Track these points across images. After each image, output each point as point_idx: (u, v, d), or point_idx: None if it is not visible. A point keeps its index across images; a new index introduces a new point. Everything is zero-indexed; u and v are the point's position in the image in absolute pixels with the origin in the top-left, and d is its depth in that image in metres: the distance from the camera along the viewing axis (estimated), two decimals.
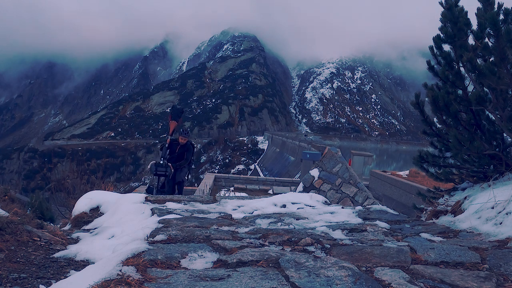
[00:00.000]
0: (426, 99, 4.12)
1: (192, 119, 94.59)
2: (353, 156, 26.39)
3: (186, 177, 8.28)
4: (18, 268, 2.50)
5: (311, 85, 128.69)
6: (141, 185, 27.27)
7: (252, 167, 70.59)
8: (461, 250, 2.33)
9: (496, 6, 3.65)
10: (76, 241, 3.37)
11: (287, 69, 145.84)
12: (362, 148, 69.37)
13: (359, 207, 4.25)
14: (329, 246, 2.46)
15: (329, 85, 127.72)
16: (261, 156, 75.27)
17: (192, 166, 8.44)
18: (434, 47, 4.03)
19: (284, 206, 4.46)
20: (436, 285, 1.85)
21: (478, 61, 3.62)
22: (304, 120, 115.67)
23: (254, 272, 1.88)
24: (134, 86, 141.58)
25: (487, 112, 3.80)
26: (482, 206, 3.04)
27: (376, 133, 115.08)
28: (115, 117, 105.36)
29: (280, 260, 2.05)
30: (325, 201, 4.91)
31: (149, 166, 7.65)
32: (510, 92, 3.59)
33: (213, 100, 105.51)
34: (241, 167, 73.74)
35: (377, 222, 3.29)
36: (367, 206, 4.35)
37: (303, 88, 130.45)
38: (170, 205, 4.12)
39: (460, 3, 3.98)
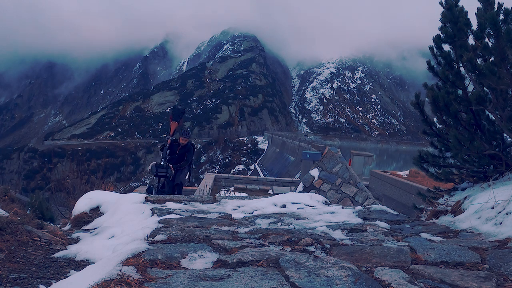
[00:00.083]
0: (426, 99, 4.12)
1: (192, 119, 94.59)
2: (353, 156, 26.39)
3: (187, 179, 8.25)
4: (18, 268, 2.50)
5: (311, 85, 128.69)
6: (141, 185, 27.29)
7: (252, 167, 70.59)
8: (461, 250, 2.33)
9: (496, 6, 3.65)
10: (76, 241, 3.37)
11: (287, 69, 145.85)
12: (362, 148, 69.36)
13: (359, 207, 4.25)
14: (329, 246, 2.46)
15: (329, 85, 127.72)
16: (261, 156, 75.28)
17: (192, 167, 8.40)
18: (434, 47, 4.03)
19: (284, 206, 4.46)
20: (436, 285, 1.85)
21: (478, 61, 3.62)
22: (304, 120, 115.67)
23: (254, 272, 1.88)
24: (134, 86, 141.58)
25: (487, 112, 3.80)
26: (482, 206, 3.04)
27: (376, 133, 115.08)
28: (115, 117, 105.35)
29: (280, 260, 2.05)
30: (325, 201, 4.91)
31: (149, 167, 7.61)
32: (510, 92, 3.59)
33: (213, 100, 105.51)
34: (241, 167, 73.74)
35: (377, 222, 3.29)
36: (367, 206, 4.35)
37: (303, 88, 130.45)
38: (170, 205, 4.12)
39: (460, 3, 3.98)
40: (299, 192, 9.02)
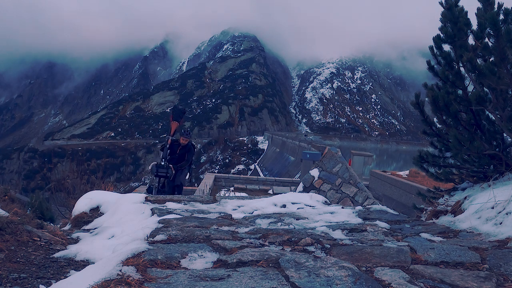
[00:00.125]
0: (426, 99, 4.12)
1: (192, 119, 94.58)
2: (353, 156, 26.39)
3: (188, 179, 8.22)
4: (18, 268, 2.50)
5: (311, 85, 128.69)
6: (141, 185, 27.29)
7: (252, 167, 70.59)
8: (461, 250, 2.33)
9: (496, 6, 3.65)
10: (76, 241, 3.37)
11: (287, 69, 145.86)
12: (362, 148, 69.37)
13: (359, 207, 4.25)
14: (329, 246, 2.46)
15: (329, 85, 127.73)
16: (261, 156, 75.28)
17: (193, 167, 8.38)
18: (434, 47, 4.03)
19: (284, 206, 4.46)
20: (436, 285, 1.85)
21: (478, 61, 3.62)
22: (304, 120, 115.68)
23: (254, 272, 1.88)
24: (134, 86, 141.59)
25: (487, 112, 3.80)
26: (482, 206, 3.04)
27: (376, 133, 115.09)
28: (115, 117, 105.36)
29: (280, 260, 2.05)
30: (325, 201, 4.91)
31: (150, 167, 7.57)
32: (510, 92, 3.59)
33: (213, 100, 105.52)
34: (241, 167, 73.74)
35: (377, 222, 3.29)
36: (367, 206, 4.35)
37: (303, 88, 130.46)
38: (170, 205, 4.12)
39: (460, 3, 3.98)
40: (299, 192, 9.02)
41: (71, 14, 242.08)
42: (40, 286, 2.26)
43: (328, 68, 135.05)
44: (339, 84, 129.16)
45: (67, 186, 10.33)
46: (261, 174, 55.18)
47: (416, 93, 4.29)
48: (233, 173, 55.11)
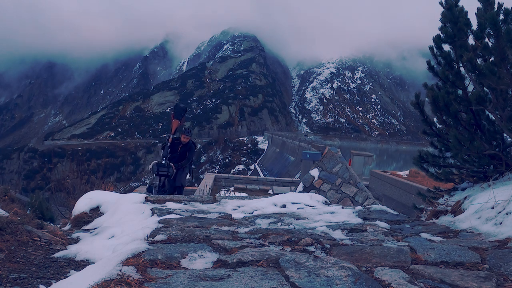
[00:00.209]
0: (426, 99, 4.12)
1: (192, 119, 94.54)
2: (353, 156, 26.39)
3: (190, 176, 8.17)
4: (18, 268, 2.50)
5: (311, 85, 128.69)
6: (141, 185, 27.28)
7: (252, 167, 70.59)
8: (461, 250, 2.33)
9: (496, 6, 3.65)
10: (76, 241, 3.37)
11: (287, 69, 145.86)
12: (362, 148, 69.37)
13: (359, 207, 4.25)
14: (329, 246, 2.46)
15: (329, 85, 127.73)
16: (261, 156, 75.28)
17: (193, 167, 8.35)
18: (434, 47, 4.03)
19: (284, 206, 4.46)
20: (436, 285, 1.85)
21: (478, 61, 3.62)
22: (304, 120, 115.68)
23: (254, 272, 1.88)
24: (134, 86, 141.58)
25: (487, 112, 3.80)
26: (482, 206, 3.04)
27: (376, 133, 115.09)
28: (115, 117, 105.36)
29: (280, 260, 2.05)
30: (325, 201, 4.91)
31: (150, 166, 7.49)
32: (510, 92, 3.59)
33: (213, 100, 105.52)
34: (241, 167, 73.74)
35: (377, 222, 3.29)
36: (367, 206, 4.35)
37: (303, 88, 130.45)
38: (170, 205, 4.11)
39: (460, 3, 3.98)
40: (299, 192, 9.02)
41: (71, 14, 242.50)
42: (40, 286, 2.26)
43: (328, 68, 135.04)
44: (339, 84, 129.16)
45: (67, 186, 10.33)
46: (261, 174, 55.18)
47: (416, 93, 4.29)
48: (233, 173, 55.11)
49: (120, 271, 1.83)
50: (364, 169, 26.09)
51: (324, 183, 9.61)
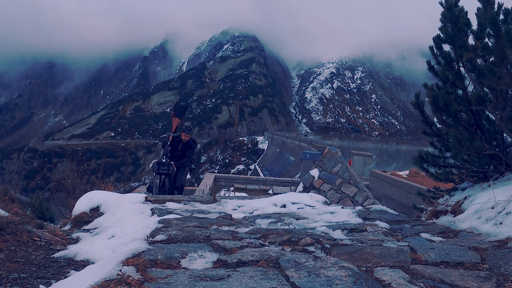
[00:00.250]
0: (426, 99, 4.12)
1: (192, 119, 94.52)
2: (353, 156, 26.39)
3: (191, 175, 8.13)
4: (18, 268, 2.50)
5: (311, 85, 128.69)
6: (141, 185, 27.28)
7: (252, 167, 70.59)
8: (461, 250, 2.33)
9: (496, 6, 3.65)
10: (76, 241, 3.37)
11: (287, 69, 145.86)
12: (362, 148, 69.37)
13: (359, 207, 4.25)
14: (329, 246, 2.46)
15: (329, 85, 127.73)
16: (261, 156, 75.29)
17: (193, 167, 8.31)
18: (434, 47, 4.03)
19: (284, 206, 4.46)
20: (436, 285, 1.85)
21: (478, 61, 3.62)
22: (304, 120, 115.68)
23: (254, 272, 1.88)
24: (134, 86, 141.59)
25: (487, 112, 3.80)
26: (482, 206, 3.04)
27: (376, 133, 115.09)
28: (115, 117, 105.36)
29: (280, 260, 2.05)
30: (325, 201, 4.91)
31: (151, 165, 7.45)
32: (510, 92, 3.59)
33: (213, 100, 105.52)
34: (241, 167, 73.75)
35: (377, 222, 3.29)
36: (367, 206, 4.35)
37: (303, 88, 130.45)
38: (170, 205, 4.12)
39: (460, 3, 3.98)
40: (299, 192, 9.02)
41: (71, 14, 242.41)
42: (40, 286, 2.26)
43: (328, 68, 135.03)
44: (339, 84, 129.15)
45: (67, 186, 10.33)
46: (261, 174, 55.18)
47: (416, 93, 4.29)
48: (233, 173, 55.11)
49: (120, 271, 1.83)
50: (364, 169, 26.09)
51: (324, 183, 9.61)
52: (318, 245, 2.46)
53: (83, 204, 4.42)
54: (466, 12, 3.89)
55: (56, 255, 2.86)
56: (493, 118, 3.75)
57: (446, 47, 3.98)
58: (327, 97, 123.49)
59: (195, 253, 2.17)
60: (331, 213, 3.92)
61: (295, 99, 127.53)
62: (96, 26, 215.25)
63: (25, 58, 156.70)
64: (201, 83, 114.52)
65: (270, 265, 2.01)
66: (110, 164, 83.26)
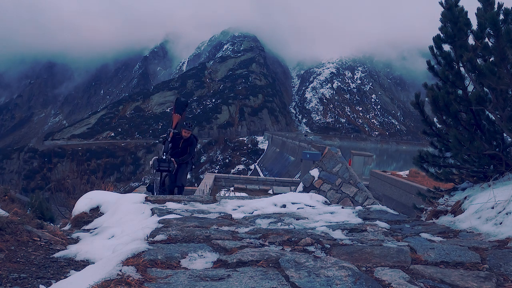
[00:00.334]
0: (426, 99, 4.12)
1: (192, 119, 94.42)
2: (353, 156, 26.39)
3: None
4: (18, 268, 2.50)
5: (311, 85, 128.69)
6: (141, 185, 27.30)
7: (252, 167, 70.60)
8: (461, 250, 2.33)
9: (496, 6, 3.65)
10: (76, 241, 3.37)
11: (287, 69, 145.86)
12: (362, 148, 69.38)
13: (359, 207, 4.25)
14: (329, 246, 2.46)
15: (329, 85, 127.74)
16: (261, 156, 75.29)
17: (193, 167, 8.25)
18: (434, 47, 4.03)
19: (284, 206, 4.46)
20: (436, 285, 1.85)
21: (478, 61, 3.62)
22: (304, 120, 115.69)
23: (254, 272, 1.88)
24: (134, 86, 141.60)
25: (487, 112, 3.80)
26: (482, 206, 3.04)
27: (376, 133, 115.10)
28: (115, 117, 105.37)
29: (280, 260, 2.05)
30: (325, 201, 4.91)
31: (151, 162, 7.36)
32: (510, 92, 3.59)
33: (213, 100, 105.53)
34: (241, 167, 73.75)
35: (377, 222, 3.29)
36: (367, 206, 4.35)
37: (303, 88, 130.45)
38: (170, 205, 4.12)
39: (460, 3, 3.98)
40: (299, 192, 9.02)
41: (71, 14, 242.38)
42: (40, 286, 2.26)
43: (328, 68, 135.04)
44: (339, 84, 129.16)
45: (67, 186, 10.33)
46: (261, 174, 55.18)
47: (416, 93, 4.29)
48: (233, 173, 55.11)
49: (120, 271, 1.83)
50: (364, 169, 26.09)
51: (324, 183, 9.61)
52: (318, 245, 2.46)
53: (83, 204, 4.42)
54: (466, 12, 3.89)
55: (56, 255, 2.86)
56: (493, 118, 3.75)
57: (446, 47, 3.98)
58: (327, 97, 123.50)
59: (195, 253, 2.17)
60: (331, 213, 3.92)
61: (295, 99, 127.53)
62: (96, 26, 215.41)
63: (25, 58, 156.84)
64: (201, 83, 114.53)
65: (270, 265, 2.01)
66: (110, 164, 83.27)
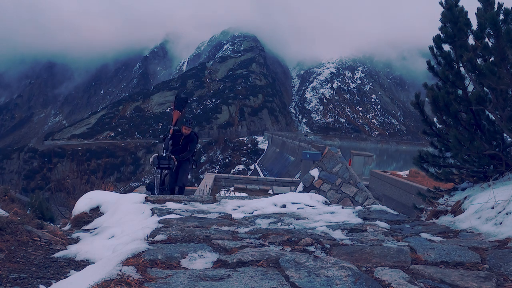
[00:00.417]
0: (426, 99, 4.12)
1: (192, 119, 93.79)
2: (353, 156, 26.39)
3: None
4: (18, 268, 2.50)
5: (311, 85, 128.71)
6: (141, 185, 27.28)
7: (252, 167, 70.60)
8: (461, 250, 2.33)
9: (496, 6, 3.65)
10: (76, 241, 3.37)
11: (287, 69, 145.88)
12: (362, 148, 69.38)
13: (359, 207, 4.25)
14: (329, 246, 2.46)
15: (329, 85, 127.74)
16: (261, 156, 75.30)
17: (194, 166, 8.19)
18: (434, 47, 4.03)
19: (284, 206, 4.46)
20: (436, 285, 1.85)
21: (478, 61, 3.62)
22: (304, 120, 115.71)
23: (254, 272, 1.88)
24: (134, 86, 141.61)
25: (487, 112, 3.80)
26: (482, 206, 3.04)
27: (376, 133, 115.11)
28: (115, 117, 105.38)
29: (280, 260, 2.05)
30: (325, 201, 4.90)
31: (151, 159, 7.28)
32: (510, 92, 3.59)
33: (213, 100, 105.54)
34: (241, 167, 73.77)
35: (377, 222, 3.29)
36: (367, 206, 4.35)
37: (303, 88, 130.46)
38: (170, 205, 4.11)
39: (460, 3, 3.98)
40: (299, 192, 9.02)
41: (71, 14, 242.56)
42: (40, 286, 2.26)
43: (328, 68, 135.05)
44: (339, 84, 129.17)
45: (67, 186, 10.32)
46: (261, 174, 55.18)
47: (416, 93, 4.28)
48: (233, 173, 55.11)
49: (120, 271, 1.83)
50: (364, 169, 26.09)
51: (324, 183, 9.61)
52: (318, 245, 2.46)
53: (83, 204, 4.42)
54: (466, 12, 3.89)
55: (56, 255, 2.86)
56: (493, 118, 3.75)
57: (446, 47, 3.98)
58: (327, 97, 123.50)
59: (195, 253, 2.17)
60: (331, 213, 3.92)
61: (295, 99, 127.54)
62: (96, 26, 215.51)
63: (25, 58, 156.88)
64: (201, 83, 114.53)
65: (270, 265, 2.01)
66: (110, 164, 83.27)
